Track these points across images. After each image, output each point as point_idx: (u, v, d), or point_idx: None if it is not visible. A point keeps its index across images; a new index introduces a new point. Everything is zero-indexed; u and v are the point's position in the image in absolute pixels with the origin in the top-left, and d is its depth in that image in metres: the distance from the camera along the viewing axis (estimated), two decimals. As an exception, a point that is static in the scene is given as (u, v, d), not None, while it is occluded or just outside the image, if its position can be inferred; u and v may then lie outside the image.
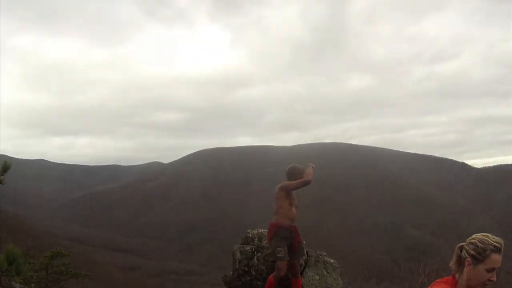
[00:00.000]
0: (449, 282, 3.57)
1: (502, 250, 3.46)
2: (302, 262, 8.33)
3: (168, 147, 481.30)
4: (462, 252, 3.54)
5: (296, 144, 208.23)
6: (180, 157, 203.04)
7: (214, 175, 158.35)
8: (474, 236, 3.54)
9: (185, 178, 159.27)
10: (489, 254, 3.40)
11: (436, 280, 3.64)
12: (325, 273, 8.46)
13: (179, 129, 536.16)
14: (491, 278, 3.46)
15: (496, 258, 3.42)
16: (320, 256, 8.64)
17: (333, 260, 8.75)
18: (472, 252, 3.45)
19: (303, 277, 8.20)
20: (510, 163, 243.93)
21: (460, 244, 3.62)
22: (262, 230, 8.46)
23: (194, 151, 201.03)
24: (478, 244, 3.44)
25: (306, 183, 7.42)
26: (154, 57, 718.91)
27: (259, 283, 8.21)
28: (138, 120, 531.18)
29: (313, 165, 7.63)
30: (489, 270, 3.42)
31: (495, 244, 3.42)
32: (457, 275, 3.57)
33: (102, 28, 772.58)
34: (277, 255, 7.48)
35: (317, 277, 8.28)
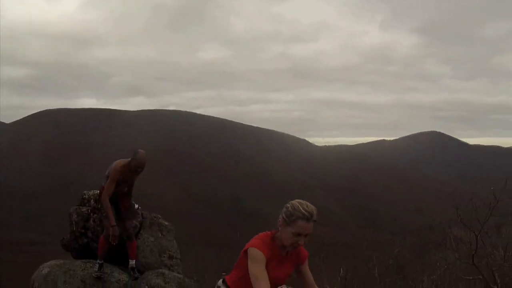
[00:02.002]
0: (267, 238, 3.82)
1: (313, 219, 3.68)
2: (137, 224, 8.50)
3: (11, 106, 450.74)
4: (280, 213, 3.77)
5: (140, 109, 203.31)
6: (23, 116, 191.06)
7: (56, 138, 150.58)
8: (292, 201, 3.77)
9: (27, 141, 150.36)
10: (295, 220, 3.62)
11: (254, 237, 3.86)
12: (160, 235, 8.70)
13: (24, 86, 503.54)
14: (299, 242, 3.73)
15: (303, 224, 3.62)
16: (155, 219, 8.81)
17: (168, 222, 9.03)
18: (283, 215, 3.69)
19: (139, 239, 8.36)
20: (350, 144, 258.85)
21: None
22: (98, 191, 8.44)
23: (38, 111, 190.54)
24: (290, 208, 3.67)
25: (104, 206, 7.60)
26: (5, 5, 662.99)
27: (95, 244, 8.14)
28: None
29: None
30: (295, 235, 3.65)
31: (304, 212, 3.62)
32: (277, 233, 3.82)
33: None
34: (104, 214, 7.70)
35: (152, 239, 8.51)
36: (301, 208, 3.66)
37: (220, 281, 4.07)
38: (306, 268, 4.17)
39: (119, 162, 7.67)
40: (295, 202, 3.75)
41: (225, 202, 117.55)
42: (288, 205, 3.75)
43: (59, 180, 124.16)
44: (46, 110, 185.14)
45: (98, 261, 7.80)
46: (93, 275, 7.70)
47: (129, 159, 7.65)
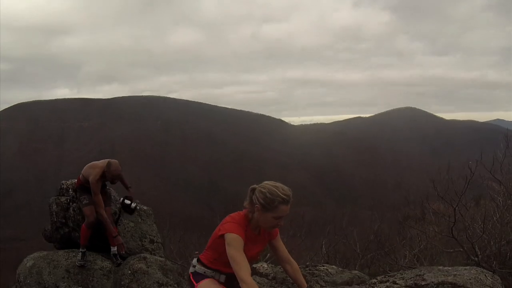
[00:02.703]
0: (241, 221, 3.88)
1: (290, 200, 3.76)
2: (116, 210, 8.52)
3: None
4: (254, 197, 3.82)
5: (114, 96, 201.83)
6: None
7: (31, 132, 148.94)
8: (265, 184, 3.83)
9: (1, 137, 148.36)
10: (277, 205, 3.71)
11: (228, 219, 3.91)
12: (140, 220, 8.74)
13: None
14: (278, 224, 3.85)
15: (284, 208, 3.73)
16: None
17: (147, 207, 9.04)
18: (262, 201, 3.73)
19: (119, 225, 8.40)
20: (325, 122, 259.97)
21: (253, 186, 3.90)
22: (75, 181, 8.45)
23: (11, 104, 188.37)
24: (268, 195, 3.72)
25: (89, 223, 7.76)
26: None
27: (77, 234, 8.22)
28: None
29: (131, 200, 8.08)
30: (276, 218, 3.77)
31: (283, 196, 3.72)
32: (250, 214, 3.87)
33: None
34: (83, 202, 7.84)
35: (132, 224, 8.54)
36: (279, 193, 3.74)
37: (195, 260, 4.13)
38: (279, 242, 4.25)
39: (95, 173, 7.70)
40: (270, 187, 3.79)
41: (203, 185, 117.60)
42: (264, 190, 3.77)
43: (35, 173, 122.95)
44: (19, 103, 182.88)
45: (80, 249, 7.82)
46: (76, 263, 7.73)
47: (104, 161, 7.80)
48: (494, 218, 11.26)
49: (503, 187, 11.66)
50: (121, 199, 8.21)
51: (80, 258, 7.76)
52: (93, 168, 7.80)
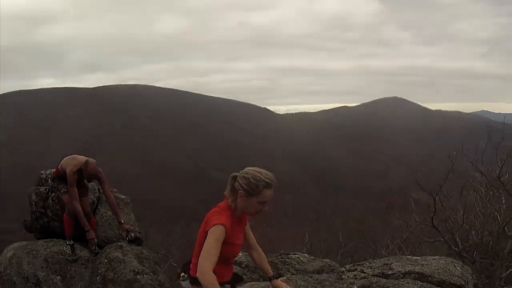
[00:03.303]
0: (225, 211, 3.80)
1: (274, 185, 3.74)
2: (94, 199, 8.51)
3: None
4: (236, 184, 3.76)
5: (99, 85, 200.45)
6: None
7: (16, 122, 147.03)
8: (247, 170, 3.78)
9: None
10: (261, 189, 3.67)
11: (212, 214, 3.79)
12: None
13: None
14: (263, 209, 3.80)
15: (268, 193, 3.69)
16: (111, 193, 8.78)
17: (124, 196, 9.02)
18: (245, 187, 3.68)
19: (96, 214, 8.40)
20: (312, 111, 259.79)
21: (234, 174, 3.85)
22: (54, 170, 8.41)
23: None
24: (251, 180, 3.67)
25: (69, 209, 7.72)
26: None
27: (56, 223, 8.21)
28: None
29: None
30: (261, 203, 3.73)
31: (267, 181, 3.68)
32: (232, 204, 3.81)
33: None
34: (61, 191, 7.87)
35: (109, 213, 8.45)
36: (263, 177, 3.70)
37: (187, 283, 3.96)
38: (248, 229, 4.25)
39: (73, 165, 7.72)
40: (254, 172, 3.75)
41: (189, 174, 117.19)
42: (247, 176, 3.72)
43: (22, 165, 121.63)
44: (3, 94, 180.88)
45: (67, 242, 7.84)
46: (68, 258, 7.72)
47: (82, 158, 7.82)
48: (477, 209, 11.32)
49: (485, 178, 11.71)
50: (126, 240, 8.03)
51: (70, 252, 7.76)
52: (72, 159, 7.82)
